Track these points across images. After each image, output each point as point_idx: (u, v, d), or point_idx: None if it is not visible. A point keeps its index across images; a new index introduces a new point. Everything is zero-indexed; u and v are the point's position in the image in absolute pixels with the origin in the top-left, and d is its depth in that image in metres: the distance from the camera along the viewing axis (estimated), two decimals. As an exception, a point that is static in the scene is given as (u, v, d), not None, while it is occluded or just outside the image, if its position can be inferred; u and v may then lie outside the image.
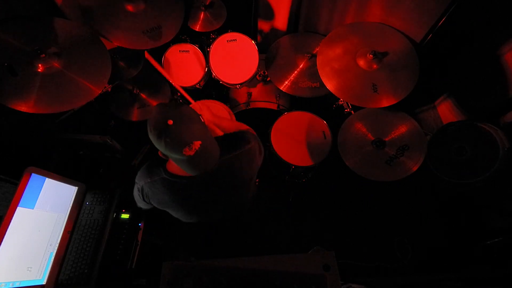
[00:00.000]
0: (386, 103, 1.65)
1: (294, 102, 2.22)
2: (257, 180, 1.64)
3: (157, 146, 0.90)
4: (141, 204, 1.22)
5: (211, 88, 2.24)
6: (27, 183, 1.22)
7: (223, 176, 1.08)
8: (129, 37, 1.56)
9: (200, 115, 0.98)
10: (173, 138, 0.86)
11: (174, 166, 1.02)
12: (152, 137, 0.89)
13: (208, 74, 1.98)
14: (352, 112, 1.91)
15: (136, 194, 1.17)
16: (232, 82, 1.90)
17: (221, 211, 1.25)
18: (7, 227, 1.13)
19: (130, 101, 1.89)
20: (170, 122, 0.85)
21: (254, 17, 2.11)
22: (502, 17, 1.69)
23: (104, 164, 1.62)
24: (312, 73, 1.92)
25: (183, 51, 1.90)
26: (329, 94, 1.74)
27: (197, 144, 0.87)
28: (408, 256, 2.05)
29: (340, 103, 2.00)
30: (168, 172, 1.04)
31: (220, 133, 1.23)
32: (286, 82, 1.94)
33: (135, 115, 1.88)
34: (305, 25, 2.07)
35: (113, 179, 1.56)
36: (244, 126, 1.33)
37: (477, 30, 1.80)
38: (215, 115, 1.24)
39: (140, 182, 1.11)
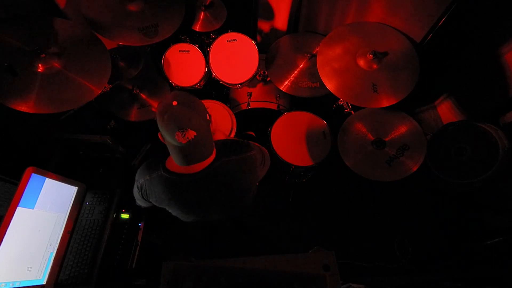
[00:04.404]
0: (386, 103, 1.65)
1: (294, 102, 2.21)
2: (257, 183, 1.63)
3: (158, 123, 0.92)
4: (140, 202, 1.22)
5: (211, 88, 2.24)
6: (27, 183, 1.22)
7: (220, 178, 1.08)
8: (124, 33, 1.59)
9: (209, 114, 0.99)
10: (170, 116, 0.88)
11: (173, 164, 1.03)
12: (157, 112, 0.92)
13: (208, 74, 1.98)
14: (352, 112, 1.91)
15: (135, 192, 1.18)
16: (232, 82, 1.90)
17: (218, 213, 1.24)
18: (7, 227, 1.13)
19: (130, 101, 1.89)
20: (175, 103, 0.88)
21: (254, 17, 2.11)
22: (502, 17, 1.69)
23: (104, 164, 1.62)
24: (312, 73, 1.92)
25: (183, 51, 1.90)
26: (329, 94, 1.74)
27: (191, 133, 0.88)
28: (408, 256, 2.05)
29: (340, 103, 2.00)
30: (166, 169, 1.05)
31: (222, 137, 1.23)
32: (286, 82, 1.94)
33: (135, 115, 1.87)
34: (305, 25, 2.07)
35: (113, 179, 1.56)
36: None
37: (477, 30, 1.80)
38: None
39: (139, 179, 1.12)
